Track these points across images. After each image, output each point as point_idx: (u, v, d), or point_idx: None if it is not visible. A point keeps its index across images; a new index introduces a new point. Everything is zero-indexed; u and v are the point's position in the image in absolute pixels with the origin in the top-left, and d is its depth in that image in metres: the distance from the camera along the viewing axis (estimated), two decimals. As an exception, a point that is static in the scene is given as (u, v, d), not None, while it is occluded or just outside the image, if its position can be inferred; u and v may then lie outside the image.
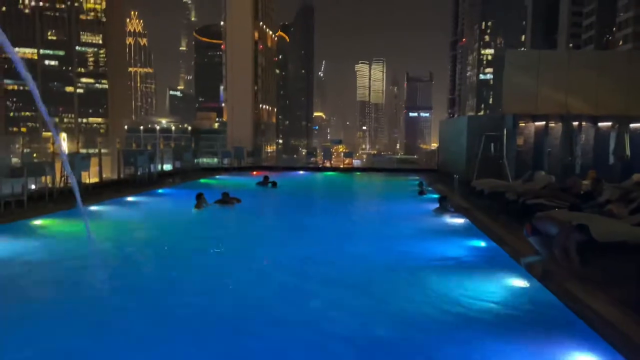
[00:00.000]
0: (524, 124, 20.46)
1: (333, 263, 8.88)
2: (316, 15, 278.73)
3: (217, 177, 23.94)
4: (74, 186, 4.53)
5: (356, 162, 51.72)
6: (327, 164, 30.71)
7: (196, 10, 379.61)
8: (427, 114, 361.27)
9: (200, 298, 6.94)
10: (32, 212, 12.02)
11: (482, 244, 9.93)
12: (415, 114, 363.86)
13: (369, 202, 19.54)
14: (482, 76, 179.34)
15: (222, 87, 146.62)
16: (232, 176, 24.41)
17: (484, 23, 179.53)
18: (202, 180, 22.00)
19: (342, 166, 34.09)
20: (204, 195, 14.03)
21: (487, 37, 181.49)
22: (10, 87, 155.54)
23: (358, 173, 29.23)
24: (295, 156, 79.63)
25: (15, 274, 8.10)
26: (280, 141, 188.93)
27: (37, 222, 11.61)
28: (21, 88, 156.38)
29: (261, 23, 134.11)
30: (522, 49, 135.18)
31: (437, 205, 13.85)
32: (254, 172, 25.47)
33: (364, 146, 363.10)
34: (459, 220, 12.52)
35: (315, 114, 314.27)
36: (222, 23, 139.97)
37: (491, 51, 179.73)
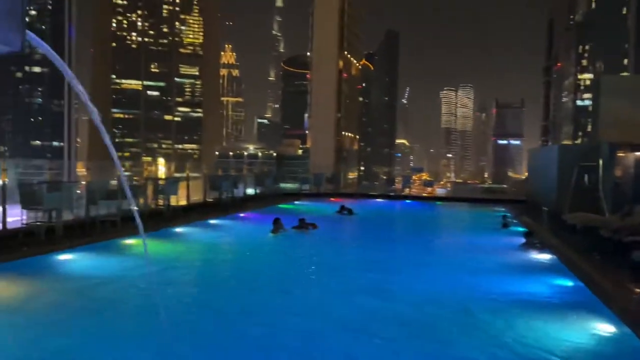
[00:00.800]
0: (622, 154, 18.86)
1: (402, 297, 8.59)
2: (401, 40, 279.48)
3: (296, 202, 24.39)
4: (135, 213, 4.80)
5: (440, 191, 50.37)
6: (407, 192, 30.19)
7: (285, 43, 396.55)
8: (518, 142, 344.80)
9: (267, 320, 7.01)
10: (126, 232, 12.93)
11: (570, 284, 9.17)
12: (505, 142, 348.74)
13: (448, 233, 18.86)
14: (579, 102, 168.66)
15: (306, 115, 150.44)
16: (311, 202, 24.76)
17: (581, 47, 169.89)
18: (281, 205, 22.51)
19: (423, 195, 33.36)
20: (280, 220, 14.32)
21: (584, 62, 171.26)
22: (117, 115, 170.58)
23: (439, 202, 28.41)
24: (376, 183, 79.28)
25: (110, 289, 8.71)
26: (362, 168, 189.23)
27: (128, 241, 12.47)
28: (127, 116, 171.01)
29: (346, 52, 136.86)
30: (625, 73, 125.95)
31: (523, 239, 13.06)
32: (332, 199, 25.65)
33: (448, 174, 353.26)
34: (545, 257, 11.70)
35: (398, 140, 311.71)
36: (308, 54, 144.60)
37: (589, 76, 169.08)
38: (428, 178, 54.39)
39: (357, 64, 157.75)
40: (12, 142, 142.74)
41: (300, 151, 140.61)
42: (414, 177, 38.70)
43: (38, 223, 11.69)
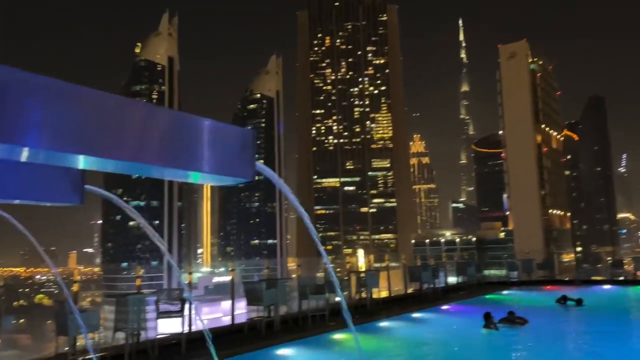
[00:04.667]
0: None
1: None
2: (608, 104, 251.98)
3: (504, 292, 22.44)
4: (343, 305, 4.96)
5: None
6: (642, 277, 25.42)
7: (473, 124, 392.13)
8: None
9: None
10: (334, 326, 13.42)
11: None
12: None
13: None
14: None
15: (505, 196, 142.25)
16: (521, 291, 22.51)
17: None
18: (487, 296, 20.95)
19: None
20: (491, 314, 13.27)
21: None
22: (319, 212, 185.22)
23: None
24: (599, 266, 68.81)
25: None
26: (579, 249, 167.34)
27: (337, 335, 12.88)
28: (327, 211, 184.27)
29: (543, 125, 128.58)
30: None
31: None
32: (547, 287, 22.96)
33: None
34: None
35: (620, 215, 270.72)
36: (500, 132, 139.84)
37: None
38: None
39: (558, 136, 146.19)
40: (236, 242, 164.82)
41: (502, 234, 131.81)
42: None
43: (258, 318, 12.91)
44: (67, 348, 9.02)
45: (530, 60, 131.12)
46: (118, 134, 2.43)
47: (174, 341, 10.81)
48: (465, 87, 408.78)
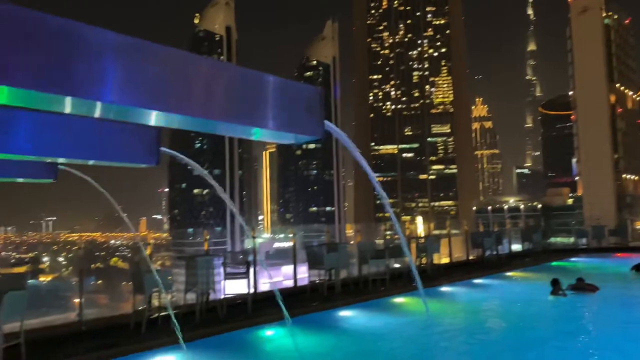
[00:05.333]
0: None
1: None
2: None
3: (572, 259, 21.56)
4: (414, 270, 4.91)
5: None
6: None
7: (541, 86, 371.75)
8: None
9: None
10: (394, 290, 13.49)
11: None
12: None
13: None
14: None
15: (574, 160, 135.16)
16: (590, 258, 21.56)
17: None
18: (553, 264, 20.22)
19: None
20: (559, 281, 12.81)
21: None
22: (377, 179, 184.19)
23: None
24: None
25: (390, 344, 9.14)
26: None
27: (397, 299, 12.95)
28: (385, 179, 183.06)
29: (617, 85, 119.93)
30: None
31: None
32: (619, 254, 21.82)
33: None
34: None
35: None
36: (570, 93, 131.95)
37: None
38: None
39: (634, 96, 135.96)
40: (295, 209, 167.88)
41: (570, 200, 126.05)
42: None
43: (320, 281, 13.18)
44: (143, 307, 9.61)
45: (604, 14, 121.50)
46: (186, 89, 2.46)
47: (239, 301, 11.28)
48: (532, 46, 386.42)
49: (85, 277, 11.44)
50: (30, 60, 2.05)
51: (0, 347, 6.87)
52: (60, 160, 3.75)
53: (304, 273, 14.58)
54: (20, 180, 4.44)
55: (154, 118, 2.43)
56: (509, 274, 17.67)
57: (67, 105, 2.17)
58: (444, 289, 14.48)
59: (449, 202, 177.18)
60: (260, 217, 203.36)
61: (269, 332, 9.66)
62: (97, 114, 2.28)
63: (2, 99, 2.13)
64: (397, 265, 15.84)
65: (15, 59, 2.04)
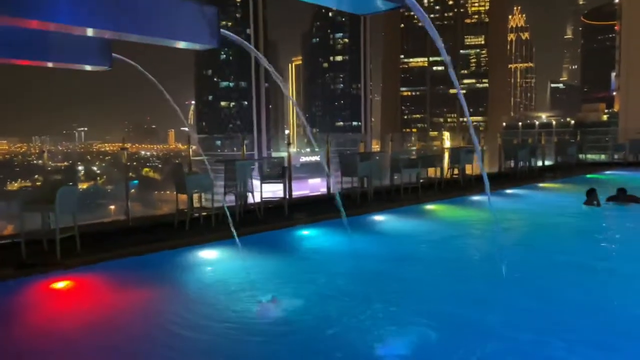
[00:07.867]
0: None
1: None
2: None
3: (607, 172, 21.22)
4: (484, 175, 4.92)
5: None
6: None
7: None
8: None
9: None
10: (425, 198, 13.65)
11: None
12: None
13: None
14: None
15: (613, 74, 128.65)
16: (626, 171, 21.15)
17: None
18: (588, 176, 19.93)
19: None
20: (596, 191, 12.64)
21: None
22: (405, 93, 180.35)
23: None
24: None
25: (412, 249, 9.43)
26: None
27: (429, 206, 13.15)
28: (413, 93, 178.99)
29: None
30: None
31: None
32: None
33: None
34: None
35: None
36: (616, 1, 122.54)
37: None
38: None
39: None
40: (321, 123, 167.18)
41: (605, 117, 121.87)
42: None
43: (353, 187, 13.38)
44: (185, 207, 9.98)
45: None
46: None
47: (275, 205, 11.64)
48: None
49: (128, 180, 11.92)
50: None
51: (57, 238, 7.30)
52: (118, 35, 3.70)
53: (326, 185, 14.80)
54: (77, 66, 4.48)
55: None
56: (541, 185, 17.59)
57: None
58: (476, 197, 14.54)
59: (479, 118, 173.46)
60: (286, 132, 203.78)
61: (305, 232, 10.06)
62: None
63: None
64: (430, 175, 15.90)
65: None
